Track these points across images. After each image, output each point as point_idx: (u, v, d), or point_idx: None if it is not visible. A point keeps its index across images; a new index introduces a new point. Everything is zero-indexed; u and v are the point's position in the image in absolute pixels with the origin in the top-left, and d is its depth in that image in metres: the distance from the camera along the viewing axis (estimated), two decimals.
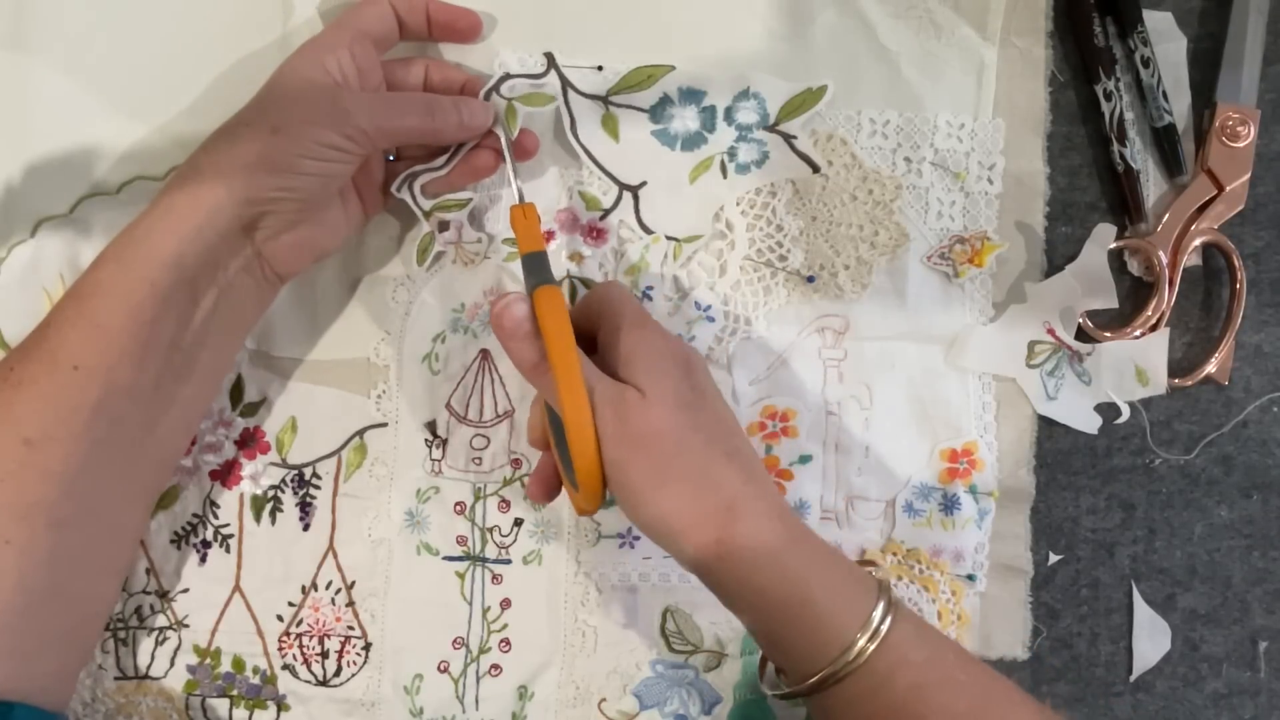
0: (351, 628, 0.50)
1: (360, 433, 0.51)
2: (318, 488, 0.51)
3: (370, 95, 0.45)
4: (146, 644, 0.50)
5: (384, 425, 0.51)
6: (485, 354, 0.51)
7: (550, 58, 0.50)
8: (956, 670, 0.40)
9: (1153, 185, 0.52)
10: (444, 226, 0.50)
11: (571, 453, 0.40)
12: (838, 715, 0.39)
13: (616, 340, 0.42)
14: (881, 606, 0.39)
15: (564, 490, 0.46)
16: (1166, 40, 0.52)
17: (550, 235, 0.51)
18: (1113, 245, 0.51)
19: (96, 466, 0.41)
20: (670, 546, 0.40)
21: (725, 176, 0.51)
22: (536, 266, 0.44)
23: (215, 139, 0.43)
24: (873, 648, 0.38)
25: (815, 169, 0.51)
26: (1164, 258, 0.51)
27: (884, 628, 0.38)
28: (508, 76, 0.49)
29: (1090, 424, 0.51)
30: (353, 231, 0.48)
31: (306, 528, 0.51)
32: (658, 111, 0.51)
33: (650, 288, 0.51)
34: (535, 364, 0.41)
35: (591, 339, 0.44)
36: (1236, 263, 0.51)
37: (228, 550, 0.51)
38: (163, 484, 0.48)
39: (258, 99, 0.44)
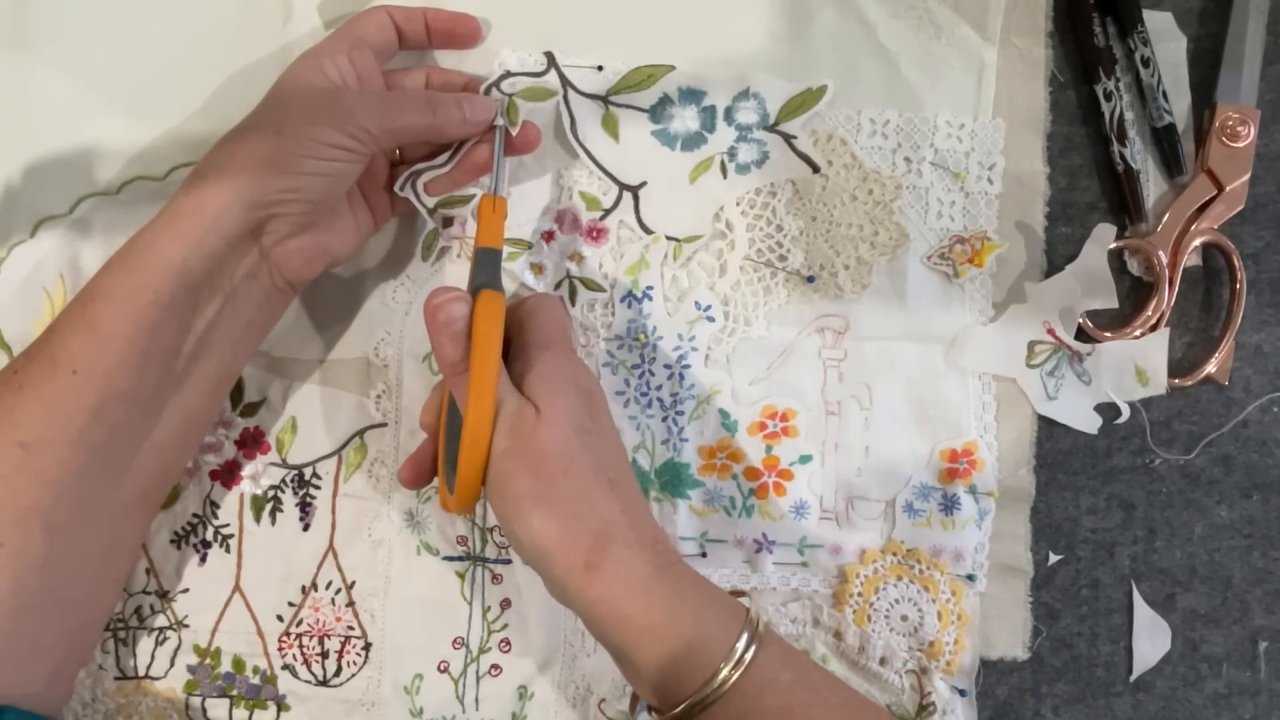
0: (351, 628, 0.50)
1: (360, 433, 0.51)
2: (318, 488, 0.51)
3: (371, 93, 0.45)
4: (146, 644, 0.50)
5: (384, 425, 0.51)
6: None
7: (550, 57, 0.50)
8: (825, 692, 0.41)
9: (1153, 185, 0.52)
10: (448, 222, 0.50)
11: (460, 457, 0.40)
12: None
13: (530, 355, 0.43)
14: (746, 636, 0.39)
15: (436, 482, 0.46)
16: (1166, 40, 0.52)
17: (550, 235, 0.51)
18: (1113, 245, 0.51)
19: (93, 472, 0.41)
20: (540, 566, 0.41)
21: (725, 176, 0.51)
22: (488, 264, 0.45)
23: (219, 145, 0.43)
24: (738, 674, 0.38)
25: (815, 169, 0.51)
26: (1164, 258, 0.51)
27: (748, 655, 0.39)
28: (508, 75, 0.49)
29: (1090, 424, 0.51)
30: (364, 239, 0.48)
31: (306, 528, 0.51)
32: (658, 111, 0.51)
33: (650, 288, 0.51)
34: (455, 364, 0.42)
35: (509, 343, 0.44)
36: (1236, 263, 0.51)
37: (228, 550, 0.51)
38: (163, 493, 0.47)
39: (260, 105, 0.44)
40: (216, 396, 0.46)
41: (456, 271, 0.51)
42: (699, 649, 0.39)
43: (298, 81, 0.44)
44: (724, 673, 0.38)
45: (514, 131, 0.47)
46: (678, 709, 0.39)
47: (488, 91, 0.48)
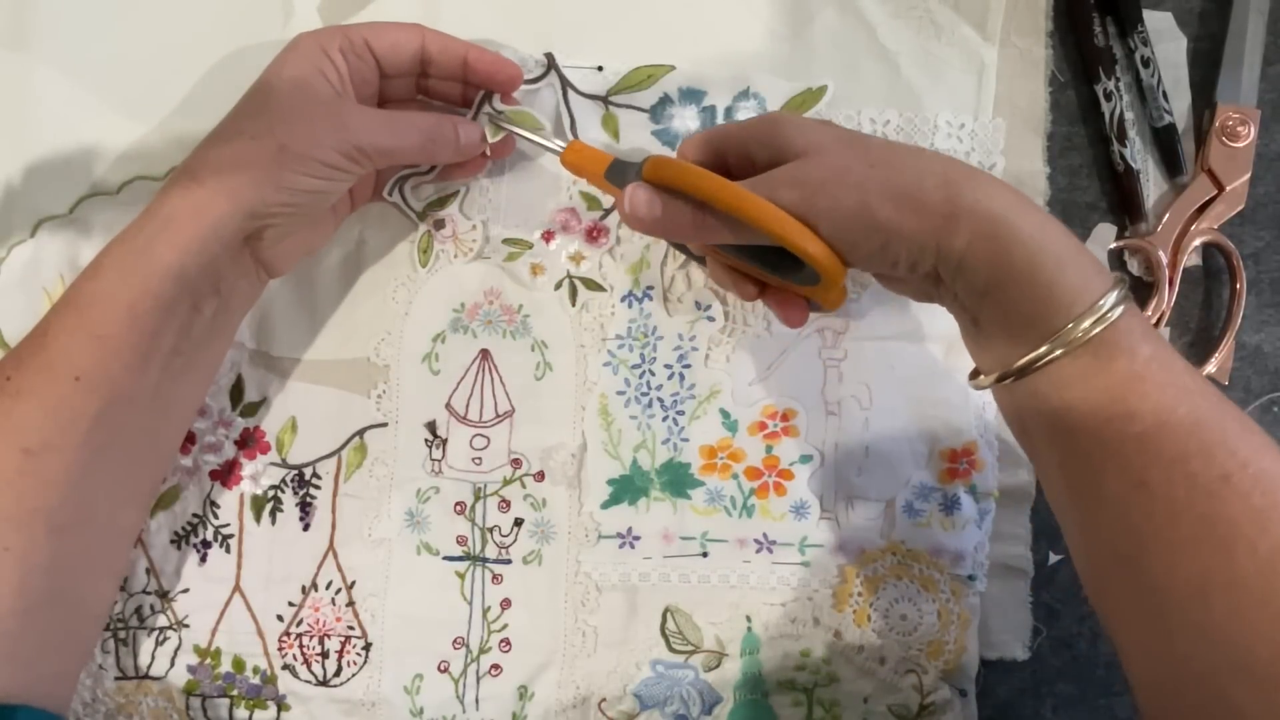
0: (351, 628, 0.50)
1: (360, 433, 0.51)
2: (318, 488, 0.51)
3: (374, 115, 0.44)
4: (146, 644, 0.50)
5: (384, 425, 0.51)
6: (485, 354, 0.51)
7: (550, 58, 0.50)
8: (1184, 376, 0.36)
9: (1153, 185, 0.52)
10: (440, 225, 0.50)
11: (795, 248, 0.38)
12: (1044, 399, 0.37)
13: (804, 145, 0.40)
14: (1117, 293, 0.36)
15: (810, 297, 0.45)
16: (1166, 40, 0.52)
17: (550, 235, 0.51)
18: (1113, 245, 0.51)
19: (96, 472, 0.41)
20: (906, 244, 0.38)
21: None
22: (620, 167, 0.44)
23: (216, 147, 0.43)
24: (1100, 329, 0.35)
25: None
26: (1164, 258, 0.51)
27: (1114, 314, 0.35)
28: None
29: None
30: (339, 225, 0.49)
31: (306, 528, 0.51)
32: (658, 111, 0.51)
33: (650, 288, 0.51)
34: (693, 219, 0.40)
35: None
36: (1236, 263, 0.51)
37: (228, 550, 0.51)
38: (160, 484, 0.48)
39: (258, 105, 0.43)
40: (208, 384, 0.48)
41: (454, 274, 0.51)
42: (1064, 292, 0.36)
43: (296, 85, 0.43)
44: (1088, 321, 0.35)
45: (488, 150, 0.48)
46: (1027, 357, 0.37)
47: (475, 113, 0.48)
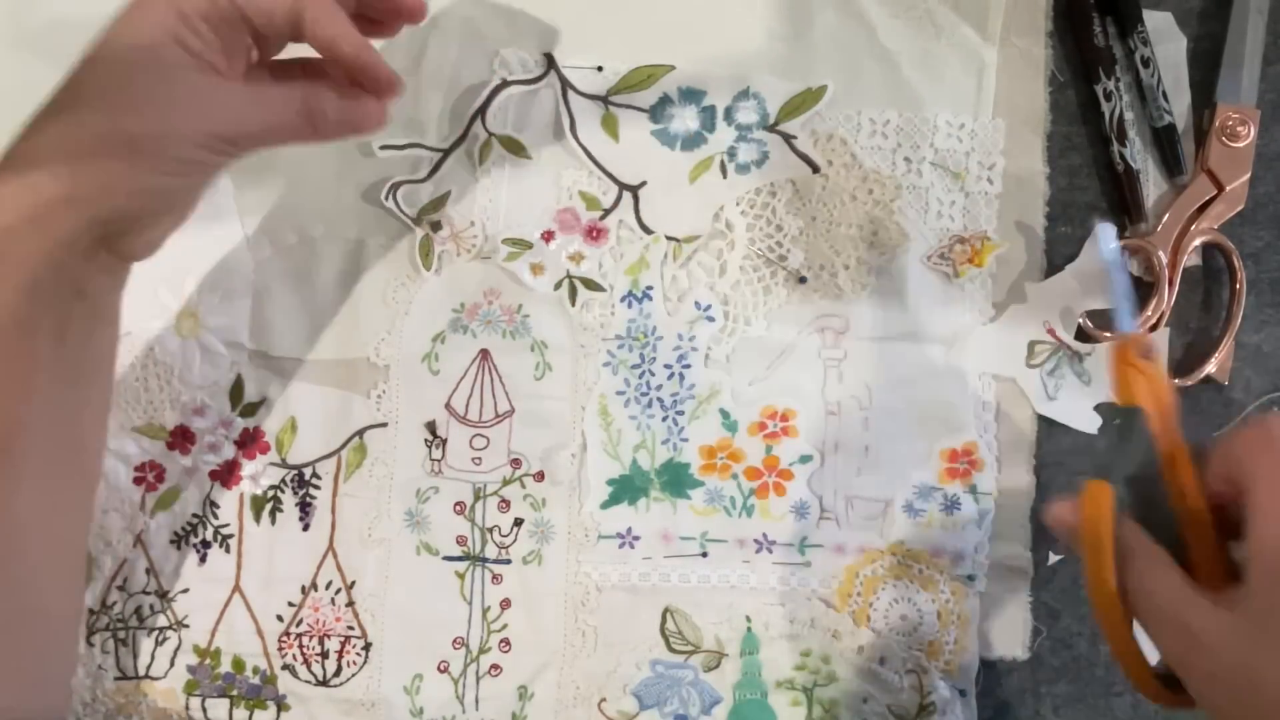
0: (351, 628, 0.50)
1: (360, 433, 0.51)
2: (318, 488, 0.51)
3: (240, 94, 0.39)
4: (146, 644, 0.50)
5: (384, 425, 0.51)
6: (485, 354, 0.51)
7: (550, 58, 0.50)
8: None
9: (1153, 185, 0.52)
10: (437, 227, 0.50)
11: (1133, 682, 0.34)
12: None
13: (1250, 521, 0.33)
14: None
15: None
16: (1166, 40, 0.52)
17: (550, 235, 0.51)
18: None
19: (15, 495, 0.38)
20: None
21: (725, 176, 0.51)
22: (1128, 430, 0.37)
23: (51, 135, 0.36)
24: None
25: (815, 169, 0.51)
26: (1164, 258, 0.51)
27: None
28: (505, 84, 0.49)
29: (1090, 424, 0.51)
30: (207, 189, 0.41)
31: (306, 528, 0.51)
32: (658, 111, 0.51)
33: (650, 288, 0.51)
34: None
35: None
36: (1236, 263, 0.51)
37: (228, 550, 0.51)
38: (96, 482, 0.45)
39: (98, 85, 0.37)
40: (110, 372, 0.43)
41: (454, 274, 0.51)
42: None
43: (146, 58, 0.36)
44: None
45: (482, 164, 0.48)
46: None
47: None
